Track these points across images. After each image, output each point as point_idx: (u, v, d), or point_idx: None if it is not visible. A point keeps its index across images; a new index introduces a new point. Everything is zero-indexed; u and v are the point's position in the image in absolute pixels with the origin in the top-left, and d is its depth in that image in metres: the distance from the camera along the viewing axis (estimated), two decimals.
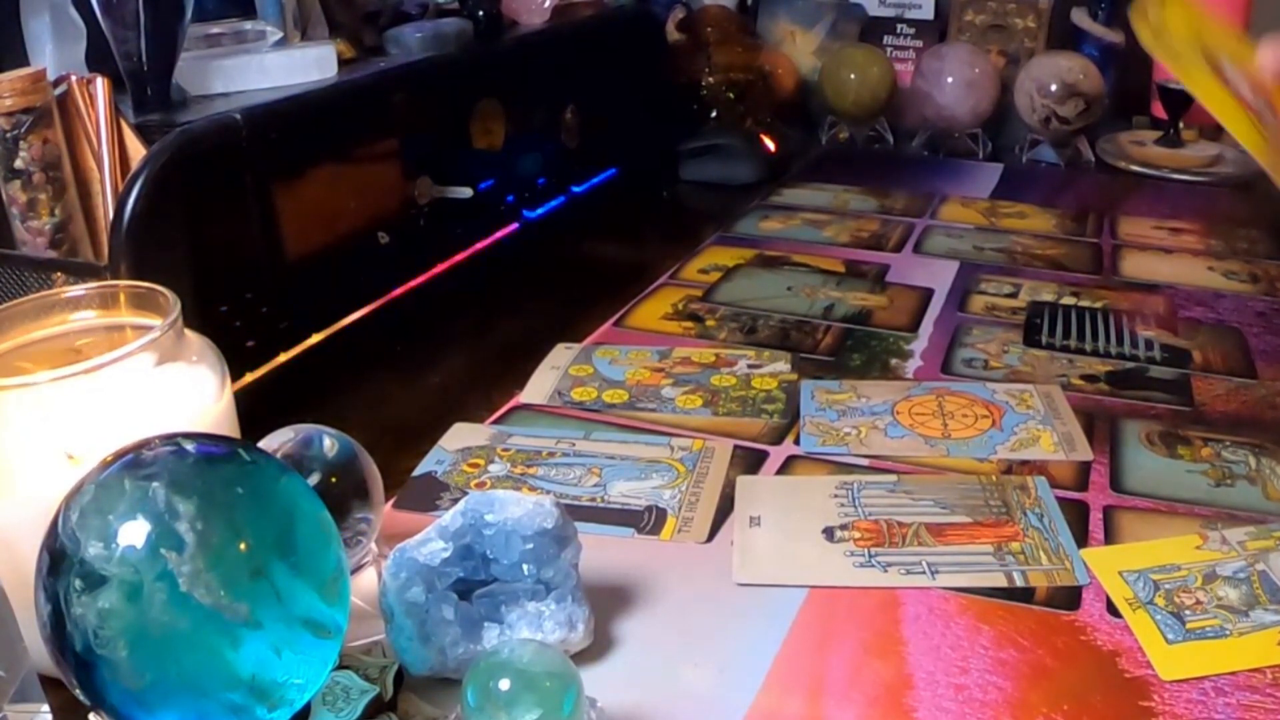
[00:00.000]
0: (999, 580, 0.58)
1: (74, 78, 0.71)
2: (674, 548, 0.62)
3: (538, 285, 0.99)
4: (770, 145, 1.30)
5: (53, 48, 0.80)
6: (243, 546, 0.40)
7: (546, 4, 1.09)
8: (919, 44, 1.45)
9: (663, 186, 1.26)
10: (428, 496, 0.67)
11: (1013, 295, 0.95)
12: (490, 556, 0.51)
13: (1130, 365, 0.82)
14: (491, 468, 0.69)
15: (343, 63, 0.90)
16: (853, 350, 0.85)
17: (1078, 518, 0.64)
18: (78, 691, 0.40)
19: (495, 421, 0.75)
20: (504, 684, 0.43)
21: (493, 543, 0.51)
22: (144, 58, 0.78)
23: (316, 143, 0.81)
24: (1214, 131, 1.35)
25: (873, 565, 0.60)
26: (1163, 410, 0.76)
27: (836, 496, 0.66)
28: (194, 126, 0.72)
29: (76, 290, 0.55)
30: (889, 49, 1.46)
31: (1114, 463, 0.69)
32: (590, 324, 0.89)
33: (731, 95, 1.30)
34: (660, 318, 0.91)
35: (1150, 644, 0.53)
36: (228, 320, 0.73)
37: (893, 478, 0.68)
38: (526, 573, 0.51)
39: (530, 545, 0.51)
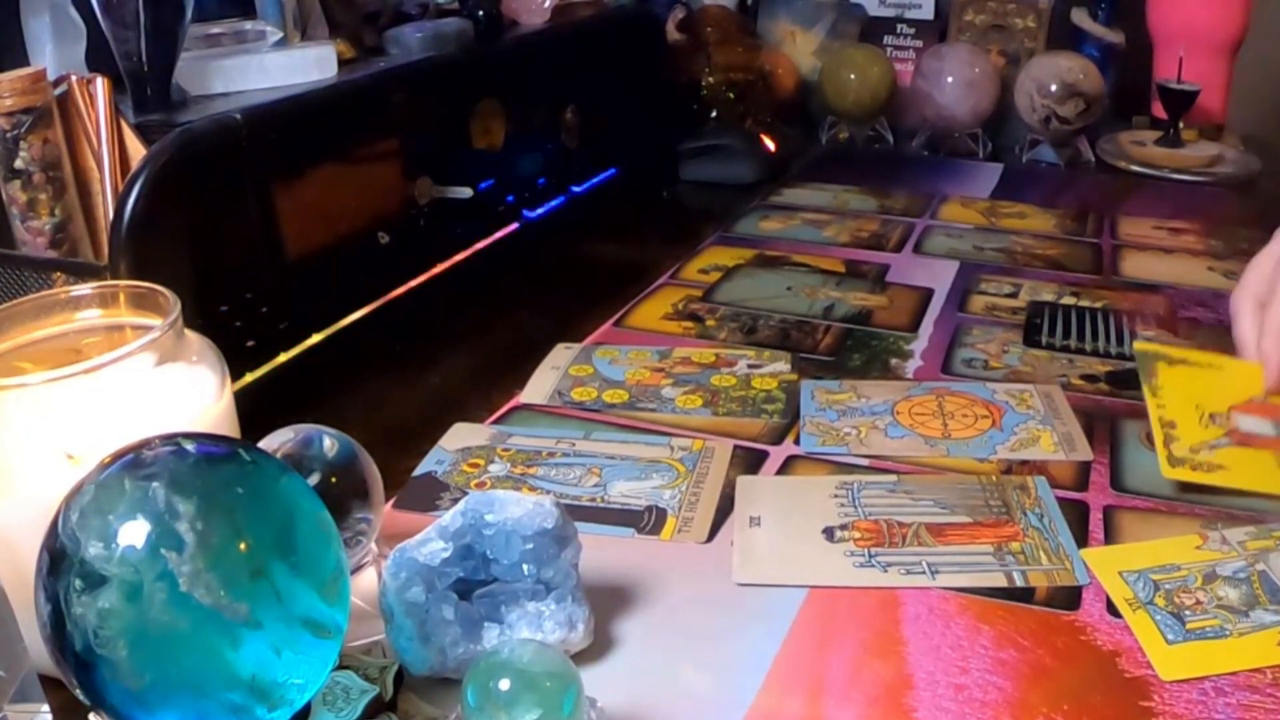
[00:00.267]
0: (999, 580, 0.58)
1: (74, 78, 0.71)
2: (674, 548, 0.62)
3: (538, 285, 0.99)
4: (770, 145, 1.30)
5: (53, 48, 0.80)
6: (243, 546, 0.40)
7: (546, 4, 1.09)
8: (919, 44, 1.46)
9: (663, 186, 1.26)
10: (428, 496, 0.67)
11: (1013, 295, 0.95)
12: (490, 556, 0.51)
13: (1130, 365, 0.82)
14: (491, 468, 0.69)
15: (343, 63, 0.90)
16: (853, 350, 0.85)
17: (1078, 518, 0.64)
18: (78, 691, 0.40)
19: (495, 421, 0.75)
20: (504, 684, 0.43)
21: (493, 543, 0.51)
22: (144, 58, 0.78)
23: (316, 143, 0.81)
24: (1214, 131, 1.35)
25: (873, 565, 0.60)
26: None
27: (836, 496, 0.66)
28: (194, 126, 0.72)
29: (76, 290, 0.55)
30: (889, 49, 1.46)
31: (1114, 463, 0.69)
32: (590, 324, 0.89)
33: (731, 95, 1.30)
34: (660, 318, 0.91)
35: (1150, 644, 0.53)
36: (228, 320, 0.73)
37: (893, 478, 0.68)
38: (526, 573, 0.51)
39: (530, 545, 0.51)
